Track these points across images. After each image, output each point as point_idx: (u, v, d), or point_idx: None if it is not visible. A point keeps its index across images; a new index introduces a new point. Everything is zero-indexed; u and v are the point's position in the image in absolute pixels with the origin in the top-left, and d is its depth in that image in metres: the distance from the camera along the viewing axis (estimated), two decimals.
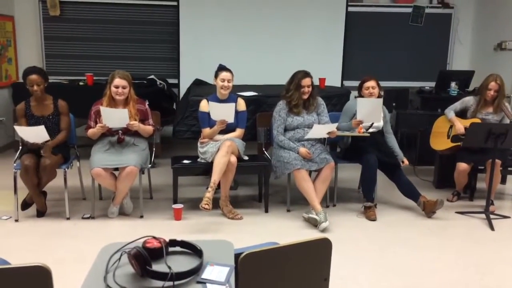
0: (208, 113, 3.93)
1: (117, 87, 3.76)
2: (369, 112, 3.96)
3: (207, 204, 3.61)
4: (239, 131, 4.08)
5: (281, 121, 4.04)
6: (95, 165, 3.67)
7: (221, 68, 4.05)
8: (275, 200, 4.36)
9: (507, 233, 3.77)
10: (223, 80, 3.96)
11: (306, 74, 4.02)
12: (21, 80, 5.93)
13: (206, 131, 4.00)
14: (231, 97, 4.09)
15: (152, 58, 6.73)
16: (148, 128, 3.91)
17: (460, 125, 4.30)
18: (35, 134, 3.65)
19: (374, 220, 3.95)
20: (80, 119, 4.28)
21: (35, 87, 3.78)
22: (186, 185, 4.63)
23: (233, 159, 3.84)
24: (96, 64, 6.58)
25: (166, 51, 6.72)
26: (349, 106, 4.27)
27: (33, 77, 3.77)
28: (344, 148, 4.32)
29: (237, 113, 4.03)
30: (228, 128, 4.00)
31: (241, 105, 4.12)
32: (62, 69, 6.59)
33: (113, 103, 3.82)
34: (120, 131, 3.82)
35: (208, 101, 4.01)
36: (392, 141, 4.26)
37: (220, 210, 3.98)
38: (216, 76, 4.02)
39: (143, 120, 3.91)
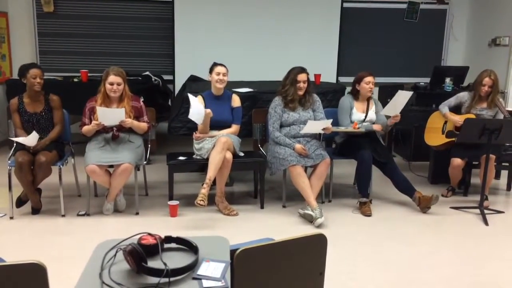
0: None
1: (111, 84, 3.74)
2: (398, 104, 4.00)
3: (203, 200, 3.61)
4: (234, 127, 4.08)
5: (277, 117, 4.04)
6: (89, 162, 3.66)
7: (216, 63, 4.05)
8: (271, 196, 4.36)
9: (501, 228, 3.80)
10: (218, 74, 3.96)
11: (302, 69, 4.05)
12: (15, 77, 5.93)
13: (201, 126, 4.00)
14: (226, 93, 4.09)
15: (147, 54, 6.71)
16: (142, 125, 3.90)
17: (456, 118, 4.31)
18: (28, 141, 3.66)
19: (369, 215, 3.96)
20: (74, 116, 4.27)
21: (38, 79, 3.79)
22: (182, 181, 4.63)
23: (229, 155, 3.84)
24: (91, 61, 6.55)
25: (161, 47, 6.70)
26: (344, 102, 4.27)
27: (37, 70, 3.80)
28: (339, 144, 4.33)
29: (232, 109, 4.04)
30: (223, 124, 4.00)
31: (236, 101, 4.12)
32: (57, 65, 6.56)
33: (107, 100, 3.80)
34: (114, 128, 3.81)
35: (203, 97, 4.00)
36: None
37: (216, 207, 3.99)
38: (211, 71, 4.02)
39: (138, 117, 3.90)
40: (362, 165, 4.04)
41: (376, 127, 4.18)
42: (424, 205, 4.03)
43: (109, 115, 3.68)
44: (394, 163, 4.19)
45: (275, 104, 4.08)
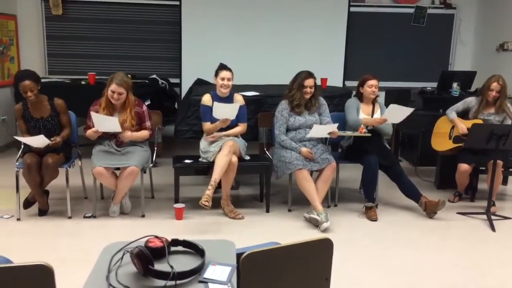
0: (211, 108, 3.94)
1: (113, 92, 3.73)
2: (396, 117, 4.00)
3: (207, 201, 3.61)
4: (242, 126, 4.08)
5: (283, 120, 4.04)
6: (97, 165, 3.67)
7: (222, 67, 4.05)
8: (277, 200, 4.36)
9: (508, 234, 3.77)
10: (223, 79, 3.96)
11: (309, 74, 4.03)
12: None
13: (207, 125, 3.99)
14: (230, 94, 4.08)
15: (154, 57, 6.74)
16: (143, 134, 3.87)
17: (462, 125, 4.30)
18: (37, 142, 3.66)
19: (375, 220, 3.95)
20: (82, 118, 4.28)
21: (29, 93, 3.68)
22: (188, 184, 4.64)
23: (234, 159, 3.84)
24: (98, 63, 6.59)
25: (168, 50, 6.73)
26: (352, 103, 4.26)
27: (26, 83, 3.66)
28: (345, 148, 4.32)
29: None
30: (229, 124, 3.98)
31: (239, 100, 4.11)
32: (64, 68, 6.61)
33: (110, 105, 3.79)
34: (117, 135, 3.83)
35: (211, 96, 4.02)
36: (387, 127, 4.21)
37: (221, 210, 3.99)
38: (216, 74, 4.02)
39: (139, 124, 3.89)
40: (368, 170, 4.03)
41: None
42: (430, 210, 4.01)
43: (104, 122, 3.68)
44: (400, 168, 4.18)
45: (282, 107, 4.08)
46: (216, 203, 3.80)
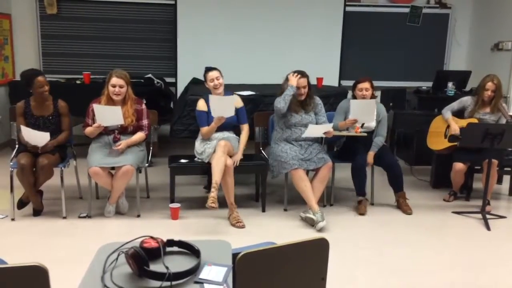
0: (206, 112, 3.92)
1: (114, 86, 3.74)
2: (363, 112, 4.00)
3: (213, 202, 3.58)
4: (246, 128, 4.07)
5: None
6: (92, 164, 3.66)
7: (207, 70, 4.02)
8: (272, 200, 4.36)
9: (503, 233, 3.78)
10: (212, 80, 3.94)
11: (301, 74, 3.98)
12: (18, 79, 5.95)
13: (205, 129, 3.98)
14: (227, 94, 4.06)
15: (149, 57, 6.72)
16: (140, 138, 3.87)
17: (456, 126, 4.31)
18: (38, 138, 3.65)
19: (362, 214, 3.98)
20: (76, 118, 4.26)
21: (46, 87, 3.78)
22: (183, 184, 4.63)
23: (229, 161, 3.81)
24: (93, 63, 6.56)
25: (164, 50, 6.71)
26: (343, 105, 4.28)
27: (41, 78, 3.78)
28: (339, 148, 4.34)
29: (236, 110, 3.99)
30: (226, 125, 3.96)
31: (238, 101, 4.10)
32: (59, 67, 6.57)
33: (111, 102, 3.80)
34: (116, 131, 3.81)
35: (205, 100, 4.00)
36: (378, 141, 4.20)
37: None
38: (205, 80, 4.01)
39: (137, 120, 3.89)
40: (355, 170, 4.07)
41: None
42: (399, 205, 4.17)
43: (106, 113, 3.67)
44: (395, 161, 4.20)
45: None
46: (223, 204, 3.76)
